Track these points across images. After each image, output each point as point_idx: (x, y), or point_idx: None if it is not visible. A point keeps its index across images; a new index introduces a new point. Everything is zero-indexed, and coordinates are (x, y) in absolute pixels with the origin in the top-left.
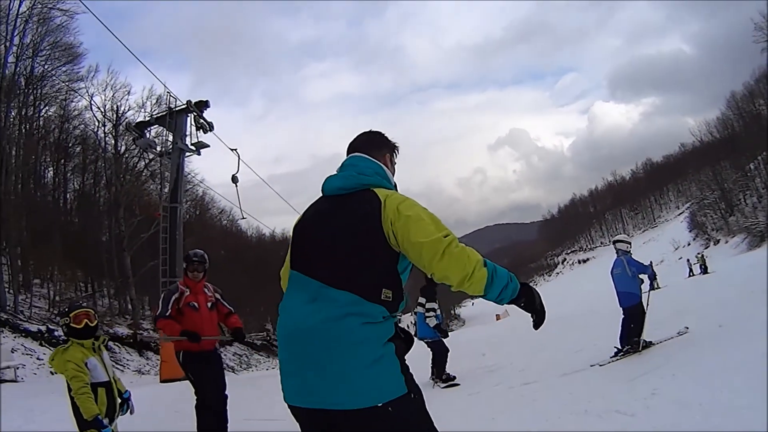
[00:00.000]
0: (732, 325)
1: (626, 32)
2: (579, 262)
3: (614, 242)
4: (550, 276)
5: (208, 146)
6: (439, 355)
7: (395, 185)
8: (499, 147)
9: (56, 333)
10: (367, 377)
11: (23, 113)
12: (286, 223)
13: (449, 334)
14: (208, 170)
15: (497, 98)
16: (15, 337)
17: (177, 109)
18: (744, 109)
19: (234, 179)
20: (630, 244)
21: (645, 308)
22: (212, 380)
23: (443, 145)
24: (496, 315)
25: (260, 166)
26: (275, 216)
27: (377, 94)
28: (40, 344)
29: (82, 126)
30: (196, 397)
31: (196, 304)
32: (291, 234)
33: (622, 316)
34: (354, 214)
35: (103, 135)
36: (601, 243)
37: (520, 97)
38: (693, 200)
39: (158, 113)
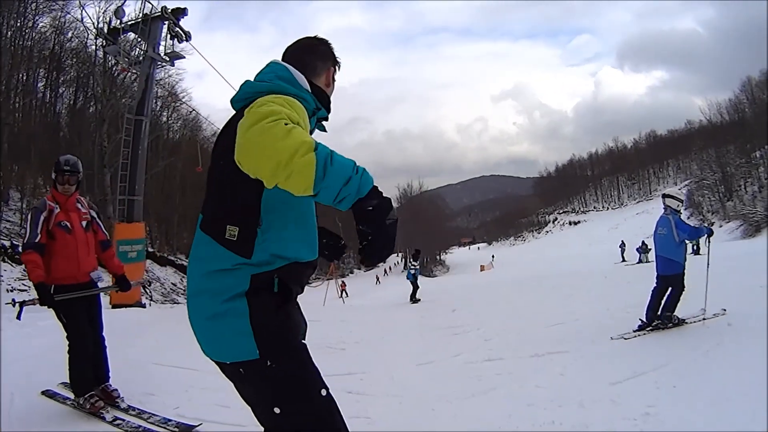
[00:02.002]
0: (740, 323)
1: (641, 5)
2: (570, 223)
3: (663, 197)
4: (539, 233)
5: (182, 57)
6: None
7: (319, 97)
8: (503, 99)
9: (19, 248)
10: (207, 333)
11: (18, 23)
12: None
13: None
14: (209, 96)
15: (507, 50)
16: None
17: (152, 15)
18: (757, 96)
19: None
20: (682, 202)
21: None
22: (85, 319)
23: (447, 90)
24: (481, 266)
25: None
26: None
27: (388, 32)
28: (2, 260)
29: (76, 39)
30: (67, 342)
31: (68, 223)
32: None
33: (655, 284)
34: (224, 134)
35: (94, 48)
36: (594, 208)
37: (531, 52)
38: (692, 178)
39: (132, 21)
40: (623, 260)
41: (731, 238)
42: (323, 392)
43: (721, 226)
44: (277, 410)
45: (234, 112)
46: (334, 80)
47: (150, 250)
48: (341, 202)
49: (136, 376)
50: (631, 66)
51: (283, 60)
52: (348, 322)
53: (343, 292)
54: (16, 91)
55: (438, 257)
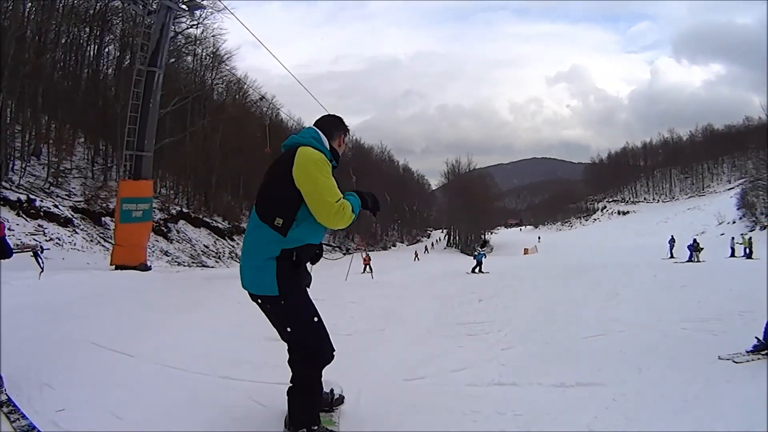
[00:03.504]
0: None
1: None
2: (619, 213)
3: None
4: (587, 220)
5: (203, 7)
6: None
7: (333, 155)
8: (558, 81)
9: (37, 203)
10: (252, 276)
11: None
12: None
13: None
14: (266, 63)
15: (566, 32)
16: None
17: None
18: None
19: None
20: None
21: None
22: None
23: (502, 69)
24: (525, 248)
25: (318, 65)
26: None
27: (446, 6)
28: (17, 214)
29: None
30: None
31: None
32: None
33: None
34: (281, 163)
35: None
36: (645, 199)
37: (589, 36)
38: (747, 177)
39: None
40: (671, 256)
41: None
42: (315, 319)
43: None
44: (288, 329)
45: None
46: (344, 142)
47: (185, 210)
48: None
49: (59, 358)
50: (688, 57)
51: (315, 125)
52: (355, 306)
53: (367, 267)
54: (63, 48)
55: (483, 236)
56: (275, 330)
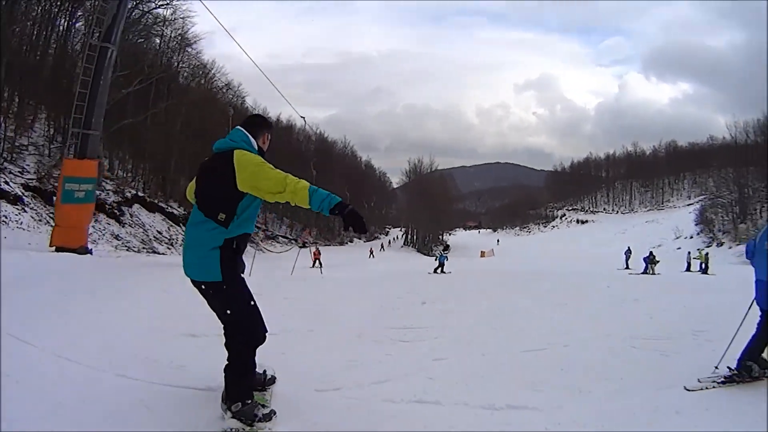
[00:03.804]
0: None
1: (674, 19)
2: (578, 221)
3: None
4: (545, 227)
5: None
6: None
7: (260, 152)
8: (527, 88)
9: None
10: (198, 264)
11: None
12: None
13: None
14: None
15: (539, 41)
16: None
17: None
18: None
19: None
20: None
21: None
22: None
23: (473, 73)
24: (481, 251)
25: (289, 56)
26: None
27: (421, 8)
28: None
29: None
30: None
31: None
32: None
33: (760, 318)
34: (218, 164)
35: None
36: (604, 209)
37: (562, 46)
38: (707, 195)
39: None
40: (627, 267)
41: (739, 262)
42: (251, 303)
43: (730, 248)
44: (228, 311)
45: (213, 152)
46: (268, 139)
47: (140, 194)
48: (321, 211)
49: None
50: (656, 74)
51: (242, 126)
52: (289, 303)
53: (317, 262)
54: (32, 23)
55: (440, 237)
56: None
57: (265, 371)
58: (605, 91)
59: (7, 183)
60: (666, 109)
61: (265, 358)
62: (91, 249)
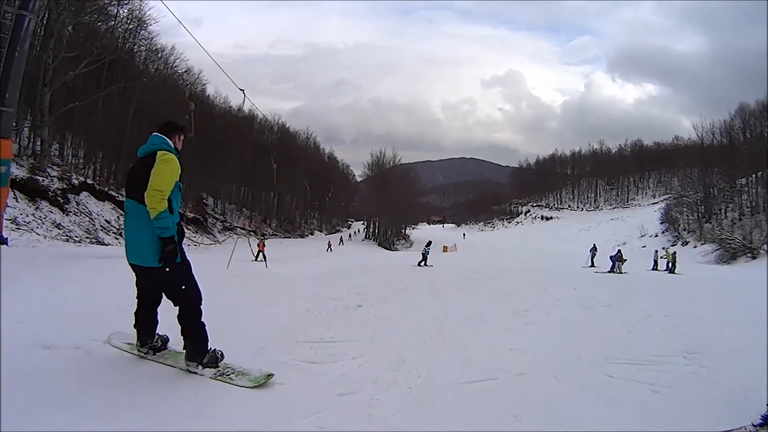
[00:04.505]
0: None
1: (638, 20)
2: (542, 218)
3: None
4: (509, 223)
5: None
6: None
7: (176, 150)
8: (493, 84)
9: None
10: (148, 250)
11: None
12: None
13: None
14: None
15: (506, 38)
16: None
17: None
18: (750, 124)
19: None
20: None
21: None
22: None
23: (439, 67)
24: (444, 246)
25: (256, 46)
26: (254, 96)
27: (388, 1)
28: None
29: None
30: None
31: None
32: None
33: None
34: (145, 164)
35: None
36: (569, 206)
37: (529, 44)
38: (672, 194)
39: None
40: (592, 265)
41: (705, 261)
42: (193, 278)
43: (695, 247)
44: (183, 287)
45: (138, 156)
46: (180, 140)
47: (89, 182)
48: (156, 230)
49: None
50: (621, 75)
51: (160, 131)
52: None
53: (260, 254)
54: None
55: (403, 231)
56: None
57: (214, 349)
58: (572, 89)
59: None
60: (631, 109)
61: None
62: (7, 238)
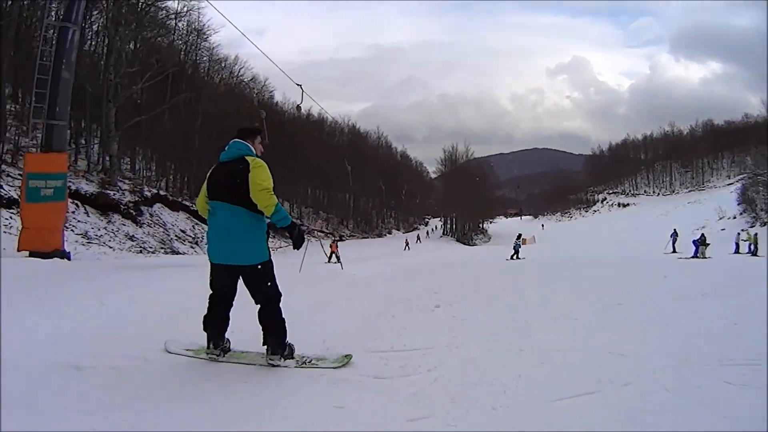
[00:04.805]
0: None
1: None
2: (619, 205)
3: None
4: (587, 212)
5: None
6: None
7: (258, 154)
8: (559, 73)
9: None
10: (244, 249)
11: None
12: (331, 107)
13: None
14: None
15: (568, 25)
16: None
17: None
18: None
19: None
20: None
21: None
22: None
23: (504, 59)
24: (523, 239)
25: (320, 52)
26: (323, 100)
27: None
28: None
29: None
30: None
31: None
32: (207, 179)
33: None
34: (231, 168)
35: None
36: (645, 192)
37: (591, 29)
38: (747, 173)
39: None
40: (674, 251)
41: None
42: (275, 277)
43: None
44: (269, 283)
45: (221, 161)
46: (258, 143)
47: (162, 193)
48: (278, 223)
49: None
50: (685, 54)
51: (240, 136)
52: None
53: (333, 256)
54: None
55: (480, 226)
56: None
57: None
58: (637, 72)
59: (0, 187)
60: (697, 88)
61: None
62: (69, 253)
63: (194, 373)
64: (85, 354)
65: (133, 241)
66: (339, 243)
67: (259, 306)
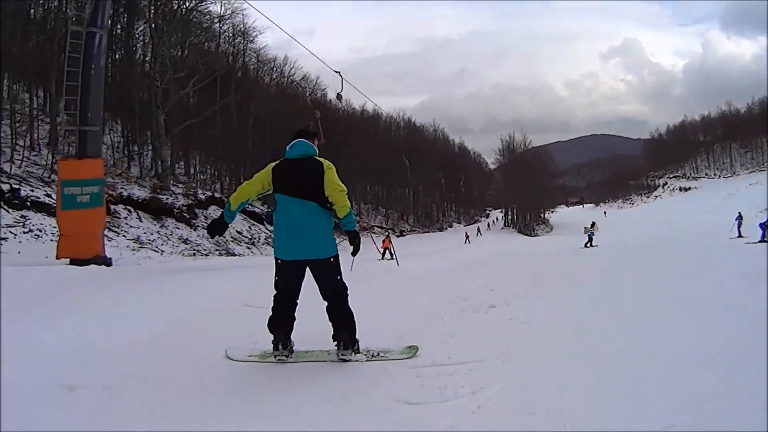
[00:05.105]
0: None
1: None
2: (680, 189)
3: None
4: (648, 197)
5: None
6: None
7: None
8: (611, 56)
9: (23, 193)
10: (319, 244)
11: None
12: (386, 103)
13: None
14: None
15: (615, 6)
16: None
17: None
18: None
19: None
20: None
21: None
22: None
23: (554, 45)
24: (585, 228)
25: (371, 49)
26: (379, 96)
27: None
28: None
29: None
30: None
31: None
32: (272, 173)
33: None
34: (309, 167)
35: None
36: (706, 174)
37: (639, 9)
38: None
39: None
40: (739, 235)
41: None
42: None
43: None
44: (338, 277)
45: (288, 158)
46: (317, 142)
47: (216, 195)
48: (345, 226)
49: None
50: (735, 30)
51: (303, 136)
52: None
53: (386, 252)
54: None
55: (542, 216)
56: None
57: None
58: (689, 51)
59: (48, 195)
60: (750, 65)
61: None
62: (111, 258)
63: (283, 375)
64: (81, 371)
65: (186, 243)
66: (398, 238)
67: (326, 303)
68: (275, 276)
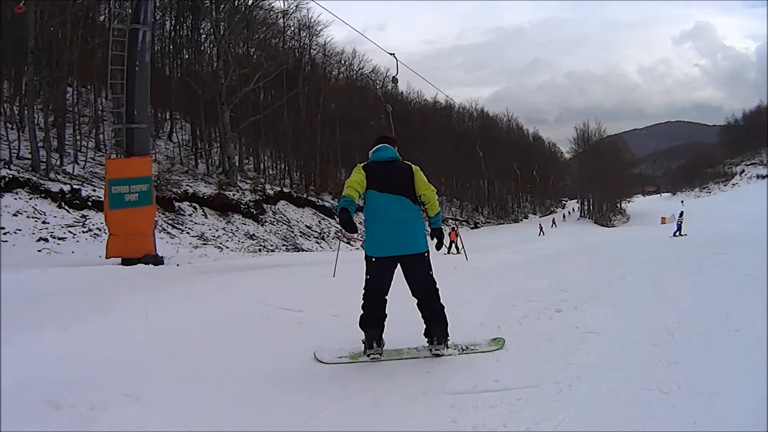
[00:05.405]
0: None
1: None
2: (758, 176)
3: None
4: (725, 185)
5: None
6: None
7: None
8: (684, 41)
9: (83, 193)
10: (414, 241)
11: None
12: (459, 94)
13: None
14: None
15: None
16: (30, 198)
17: None
18: None
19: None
20: None
21: None
22: None
23: (627, 31)
24: (662, 217)
25: (443, 40)
26: (451, 87)
27: None
28: (59, 206)
29: None
30: None
31: None
32: (365, 170)
33: None
34: (400, 168)
35: None
36: None
37: None
38: None
39: None
40: None
41: None
42: None
43: None
44: (431, 272)
45: (379, 161)
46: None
47: (285, 191)
48: (434, 223)
49: None
50: None
51: (386, 142)
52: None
53: (453, 245)
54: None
55: (618, 206)
56: (413, 282)
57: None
58: (762, 33)
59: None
60: None
61: None
62: (163, 257)
63: (389, 375)
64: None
65: (252, 239)
66: (472, 230)
67: (418, 299)
68: (366, 275)
